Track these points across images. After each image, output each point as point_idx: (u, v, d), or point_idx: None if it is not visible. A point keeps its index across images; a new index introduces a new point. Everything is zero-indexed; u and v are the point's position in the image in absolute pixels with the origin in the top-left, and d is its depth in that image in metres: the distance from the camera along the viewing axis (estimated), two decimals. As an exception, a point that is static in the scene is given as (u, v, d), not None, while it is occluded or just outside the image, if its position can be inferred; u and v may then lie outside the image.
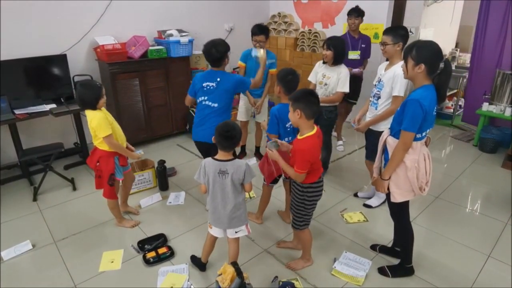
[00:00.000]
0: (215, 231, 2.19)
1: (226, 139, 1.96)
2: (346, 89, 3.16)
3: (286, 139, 2.46)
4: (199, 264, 2.41)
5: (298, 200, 2.17)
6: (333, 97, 3.21)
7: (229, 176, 1.98)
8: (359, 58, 4.18)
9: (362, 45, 4.17)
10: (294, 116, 1.99)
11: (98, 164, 2.59)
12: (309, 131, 2.01)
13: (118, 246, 2.63)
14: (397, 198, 2.07)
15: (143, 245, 2.60)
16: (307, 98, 1.96)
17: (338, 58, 3.15)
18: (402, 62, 2.48)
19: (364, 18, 4.12)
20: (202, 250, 2.37)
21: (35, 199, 3.24)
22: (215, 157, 2.03)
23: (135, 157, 2.74)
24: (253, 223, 2.87)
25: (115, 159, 2.61)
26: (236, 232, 2.16)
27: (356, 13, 4.07)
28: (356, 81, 3.98)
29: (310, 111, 1.95)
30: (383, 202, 3.14)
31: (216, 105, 2.68)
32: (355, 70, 4.04)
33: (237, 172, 1.99)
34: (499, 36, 4.61)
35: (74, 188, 3.45)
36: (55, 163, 3.56)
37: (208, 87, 2.69)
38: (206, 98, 2.71)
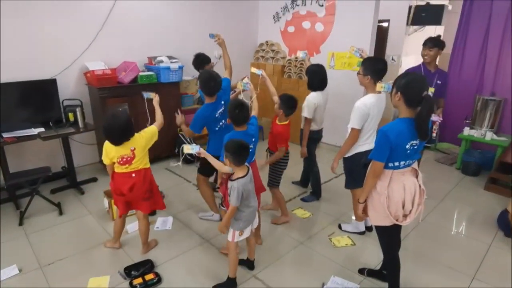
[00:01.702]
0: (247, 232, 2.41)
1: (245, 151, 2.24)
2: (304, 113, 3.30)
3: None
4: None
5: (274, 167, 3.04)
6: (305, 124, 3.38)
7: (252, 179, 2.34)
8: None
9: (438, 81, 3.46)
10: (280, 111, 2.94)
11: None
12: (283, 122, 2.97)
13: (104, 272, 2.58)
14: (373, 221, 2.13)
15: (129, 271, 2.56)
16: (290, 101, 2.93)
17: (309, 84, 3.37)
18: (369, 95, 2.64)
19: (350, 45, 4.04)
20: (231, 266, 2.42)
21: (21, 223, 3.18)
22: (240, 176, 2.24)
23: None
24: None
25: None
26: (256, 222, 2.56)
27: (431, 43, 3.41)
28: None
29: (287, 111, 2.95)
30: (362, 233, 3.13)
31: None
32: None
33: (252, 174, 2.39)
34: (478, 63, 4.84)
35: (61, 213, 3.40)
36: (42, 187, 3.52)
37: (220, 113, 2.99)
38: (223, 121, 3.02)
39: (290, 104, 2.93)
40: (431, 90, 3.31)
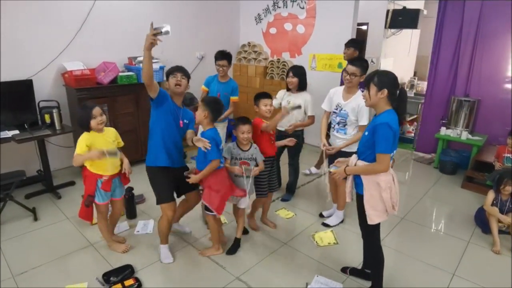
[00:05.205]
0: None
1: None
2: (311, 112, 3.41)
3: None
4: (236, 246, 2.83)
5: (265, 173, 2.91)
6: (308, 121, 3.45)
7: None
8: None
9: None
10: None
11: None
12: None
13: (81, 279, 2.49)
14: (374, 219, 2.12)
15: (108, 277, 2.48)
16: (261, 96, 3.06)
17: (302, 85, 3.43)
18: (360, 92, 2.68)
19: (331, 49, 4.12)
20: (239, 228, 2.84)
21: (-9, 231, 3.05)
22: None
23: (95, 156, 2.43)
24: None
25: (98, 182, 2.59)
26: None
27: (349, 43, 4.01)
28: None
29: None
30: (341, 222, 3.29)
31: None
32: None
33: None
34: (451, 65, 4.96)
35: (36, 218, 3.27)
36: (16, 192, 3.38)
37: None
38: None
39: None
40: None
